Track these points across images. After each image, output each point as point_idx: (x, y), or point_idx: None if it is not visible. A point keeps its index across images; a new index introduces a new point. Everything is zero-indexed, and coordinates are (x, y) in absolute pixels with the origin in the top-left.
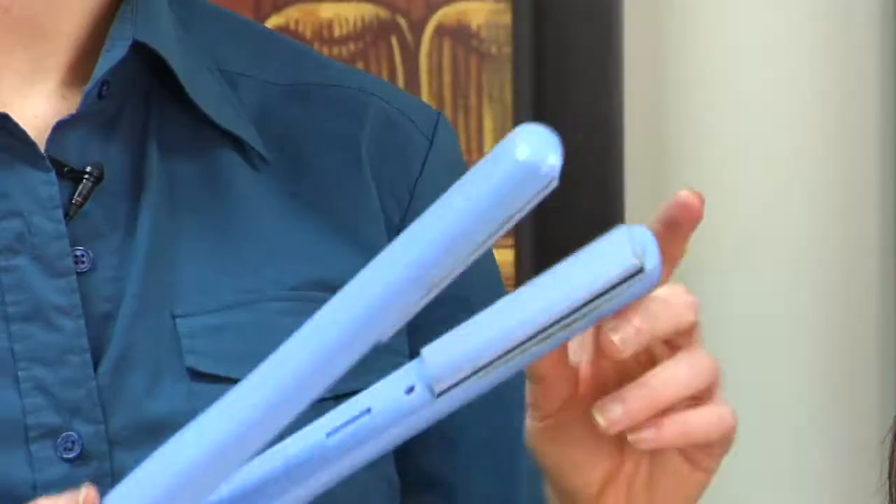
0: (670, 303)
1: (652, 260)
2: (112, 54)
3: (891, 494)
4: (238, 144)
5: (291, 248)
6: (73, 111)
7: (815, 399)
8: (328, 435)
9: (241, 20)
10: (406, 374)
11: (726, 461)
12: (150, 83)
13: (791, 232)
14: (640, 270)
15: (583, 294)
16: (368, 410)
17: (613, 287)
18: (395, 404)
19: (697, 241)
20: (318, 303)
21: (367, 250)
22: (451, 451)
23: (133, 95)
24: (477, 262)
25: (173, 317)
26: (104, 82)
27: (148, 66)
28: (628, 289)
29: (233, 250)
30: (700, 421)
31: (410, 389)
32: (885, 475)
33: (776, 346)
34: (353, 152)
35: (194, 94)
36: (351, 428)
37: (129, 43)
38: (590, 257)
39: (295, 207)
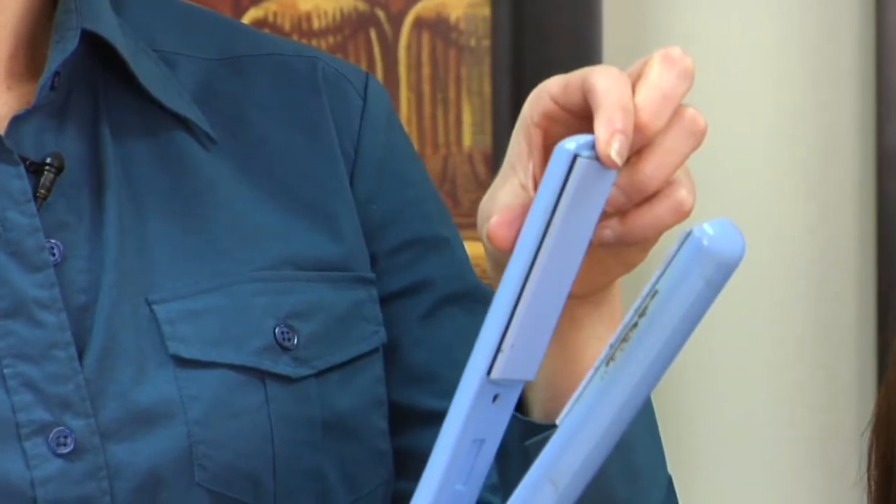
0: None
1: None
2: (63, 45)
3: (869, 487)
4: (186, 126)
5: (256, 227)
6: (24, 103)
7: (795, 394)
8: None
9: None
10: None
11: (707, 454)
12: (93, 69)
13: (771, 226)
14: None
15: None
16: None
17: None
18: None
19: (677, 233)
20: (290, 281)
21: (332, 223)
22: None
23: (79, 83)
24: (426, 200)
25: (149, 303)
26: (55, 73)
27: (91, 52)
28: (585, 178)
29: (199, 233)
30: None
31: None
32: (864, 468)
33: (755, 340)
34: (309, 121)
35: (141, 78)
36: None
37: (78, 33)
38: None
39: (252, 186)
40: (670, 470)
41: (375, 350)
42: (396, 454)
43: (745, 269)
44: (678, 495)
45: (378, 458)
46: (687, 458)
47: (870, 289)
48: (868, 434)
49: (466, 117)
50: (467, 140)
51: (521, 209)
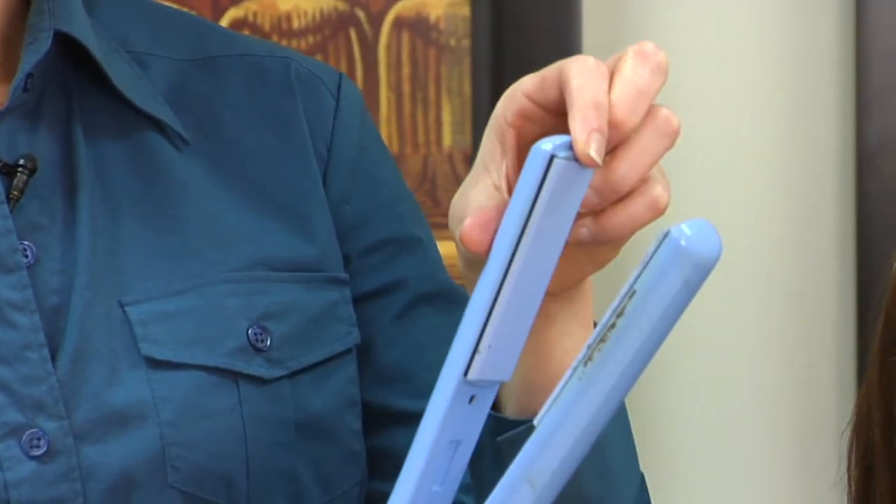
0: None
1: (561, 145)
2: (36, 46)
3: (849, 487)
4: (158, 127)
5: (229, 228)
6: None
7: (775, 393)
8: None
9: None
10: None
11: (687, 454)
12: (66, 70)
13: (751, 227)
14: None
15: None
16: None
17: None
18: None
19: (652, 232)
20: (263, 282)
21: (305, 224)
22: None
23: (52, 84)
24: (399, 200)
25: (121, 305)
26: (28, 74)
27: (64, 53)
28: (561, 181)
29: (172, 234)
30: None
31: None
32: (844, 468)
33: (735, 341)
34: (282, 122)
35: (114, 79)
36: None
37: (51, 34)
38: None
39: (225, 187)
40: (650, 470)
41: (349, 351)
42: (369, 454)
43: (726, 270)
44: (658, 496)
45: (352, 458)
46: (667, 459)
47: (850, 289)
48: (848, 434)
49: (446, 117)
50: (447, 140)
51: (496, 211)
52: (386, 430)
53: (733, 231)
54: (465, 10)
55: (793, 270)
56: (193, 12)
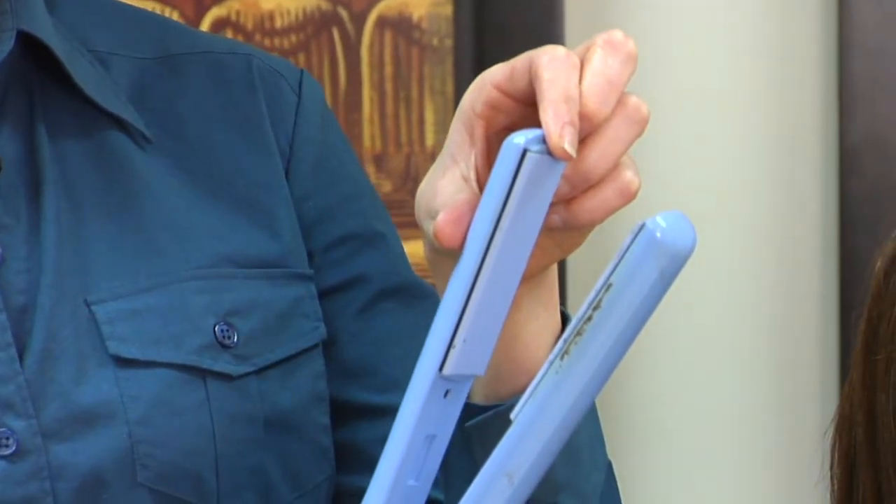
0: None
1: (534, 138)
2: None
3: (832, 485)
4: (121, 125)
5: (194, 226)
6: None
7: (757, 392)
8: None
9: None
10: None
11: (670, 452)
12: (28, 69)
13: (734, 225)
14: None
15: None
16: None
17: (515, 177)
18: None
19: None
20: (228, 279)
21: (269, 219)
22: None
23: (15, 84)
24: (361, 195)
25: (88, 304)
26: None
27: (27, 52)
28: (534, 172)
29: (137, 232)
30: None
31: None
32: (827, 467)
33: (718, 339)
34: (245, 119)
35: (77, 78)
36: None
37: (13, 34)
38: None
39: (190, 184)
40: (634, 468)
41: (315, 346)
42: (334, 448)
43: (709, 268)
44: (641, 493)
45: (320, 453)
46: (650, 457)
47: (832, 288)
48: (831, 432)
49: (429, 116)
50: (430, 139)
51: (468, 205)
52: (350, 423)
53: (716, 229)
54: (448, 10)
55: (776, 269)
56: (176, 12)
